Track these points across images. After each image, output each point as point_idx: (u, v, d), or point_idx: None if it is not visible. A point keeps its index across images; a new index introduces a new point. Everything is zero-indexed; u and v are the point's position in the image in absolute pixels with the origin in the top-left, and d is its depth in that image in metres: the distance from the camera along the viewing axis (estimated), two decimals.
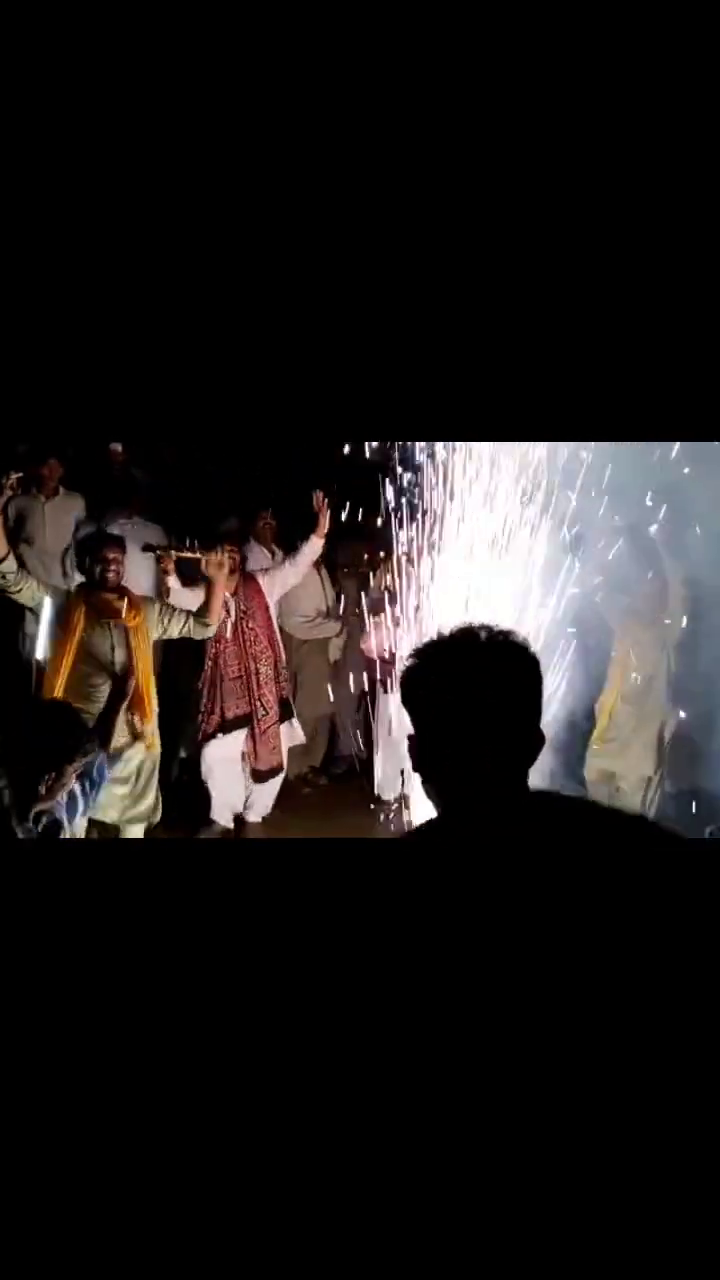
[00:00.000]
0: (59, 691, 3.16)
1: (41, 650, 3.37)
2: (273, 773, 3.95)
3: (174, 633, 3.46)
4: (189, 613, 3.46)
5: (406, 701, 1.13)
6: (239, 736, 3.84)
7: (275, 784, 4.02)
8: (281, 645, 4.04)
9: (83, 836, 2.42)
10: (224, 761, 3.86)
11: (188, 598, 3.59)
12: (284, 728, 4.01)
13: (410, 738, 1.14)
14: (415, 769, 1.14)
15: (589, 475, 3.30)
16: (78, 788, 2.23)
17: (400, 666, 1.16)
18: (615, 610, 3.65)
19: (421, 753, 1.12)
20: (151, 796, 3.37)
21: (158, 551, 3.78)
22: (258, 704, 3.82)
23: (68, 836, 2.17)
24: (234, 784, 3.91)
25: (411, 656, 1.13)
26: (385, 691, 4.00)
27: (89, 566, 3.33)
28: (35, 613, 3.37)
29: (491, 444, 3.24)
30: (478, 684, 1.06)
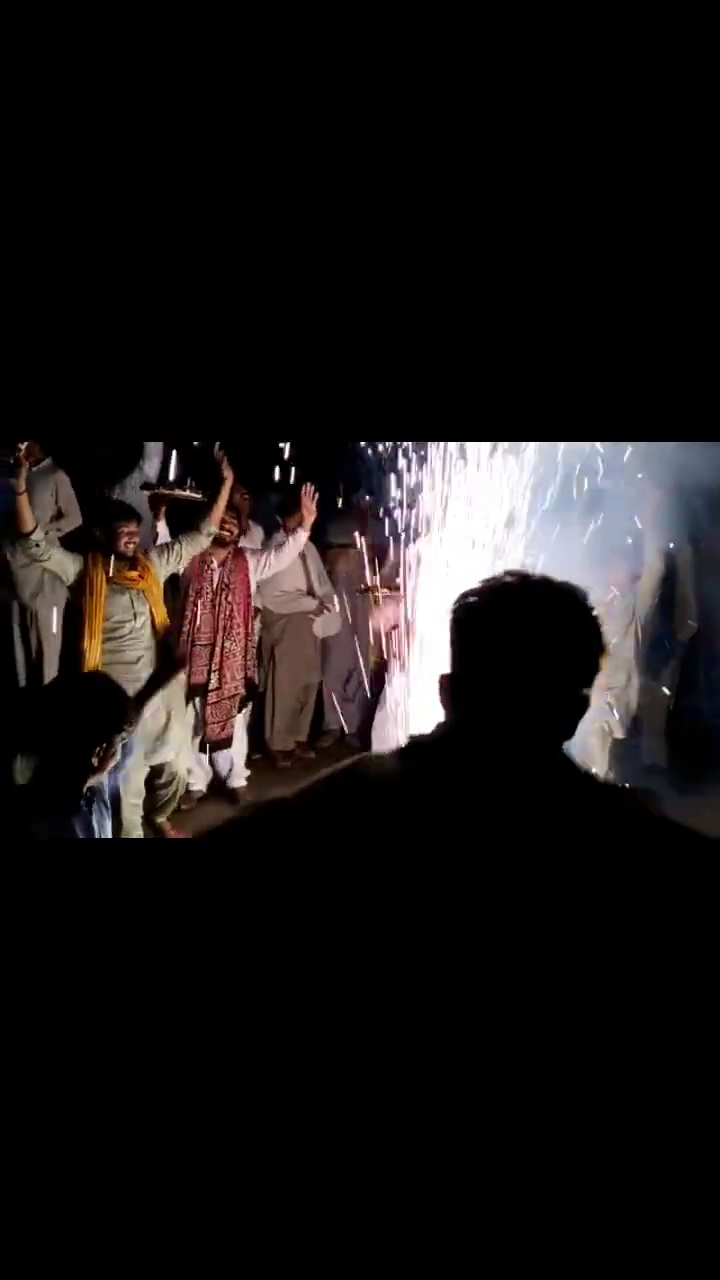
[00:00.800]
0: (95, 649, 3.38)
1: (69, 615, 3.56)
2: (219, 745, 4.06)
3: (178, 565, 3.73)
4: (181, 538, 3.74)
5: (460, 635, 1.09)
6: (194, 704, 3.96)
7: (235, 753, 4.18)
8: (255, 627, 4.16)
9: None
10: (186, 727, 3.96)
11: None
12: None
13: (444, 676, 1.10)
14: (446, 706, 1.11)
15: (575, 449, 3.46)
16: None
17: (458, 601, 1.10)
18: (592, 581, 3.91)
19: (457, 691, 1.09)
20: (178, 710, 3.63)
21: (156, 491, 3.97)
22: (213, 675, 3.94)
23: (108, 809, 2.19)
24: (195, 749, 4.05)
25: (474, 594, 1.09)
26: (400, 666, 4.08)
27: (104, 537, 3.50)
28: (62, 580, 3.51)
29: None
30: (541, 632, 1.02)
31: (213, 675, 3.92)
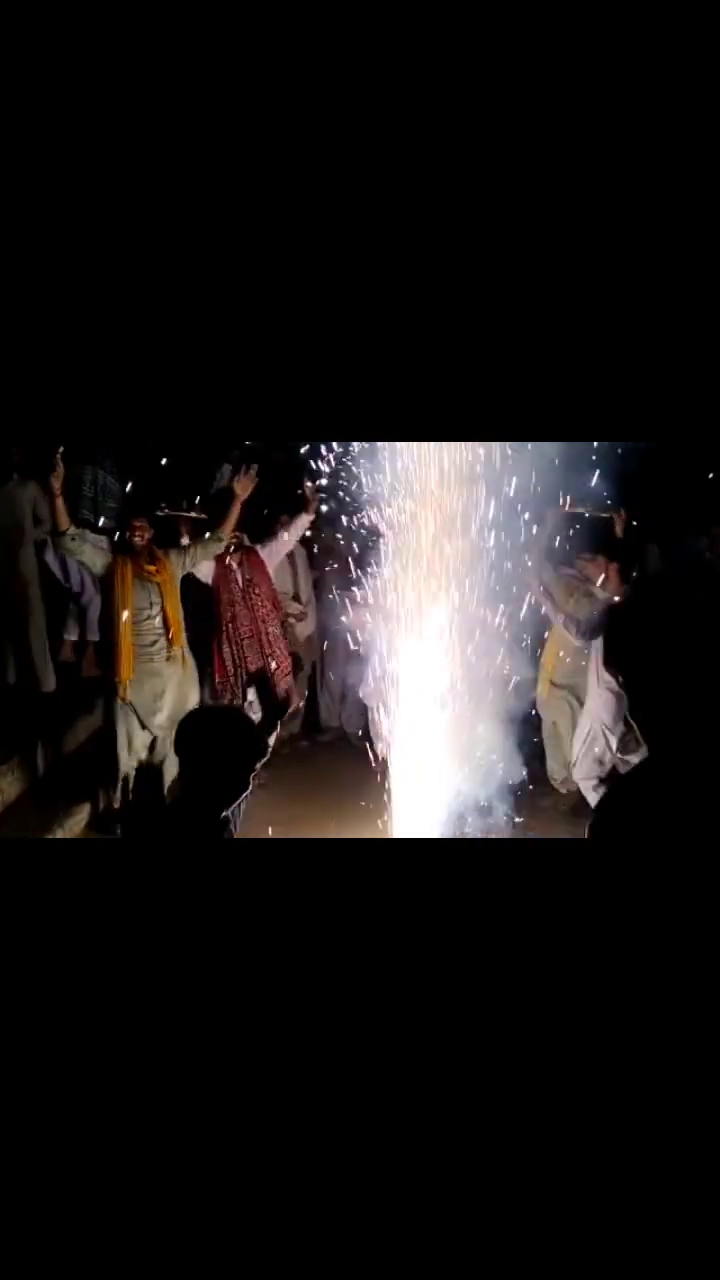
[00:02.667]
0: (126, 635, 3.71)
1: (101, 599, 3.93)
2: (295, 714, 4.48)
3: (192, 566, 4.05)
4: (199, 542, 4.08)
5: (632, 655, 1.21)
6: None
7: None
8: (282, 609, 4.51)
9: None
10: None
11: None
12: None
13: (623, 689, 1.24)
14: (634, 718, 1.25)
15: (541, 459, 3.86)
16: None
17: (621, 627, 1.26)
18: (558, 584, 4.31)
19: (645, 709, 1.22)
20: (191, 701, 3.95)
21: (167, 513, 4.37)
22: (269, 659, 4.28)
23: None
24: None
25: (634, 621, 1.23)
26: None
27: (124, 535, 3.82)
28: (91, 570, 3.79)
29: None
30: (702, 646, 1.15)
31: (270, 660, 4.23)
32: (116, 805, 3.97)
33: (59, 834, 3.84)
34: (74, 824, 3.98)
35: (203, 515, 4.36)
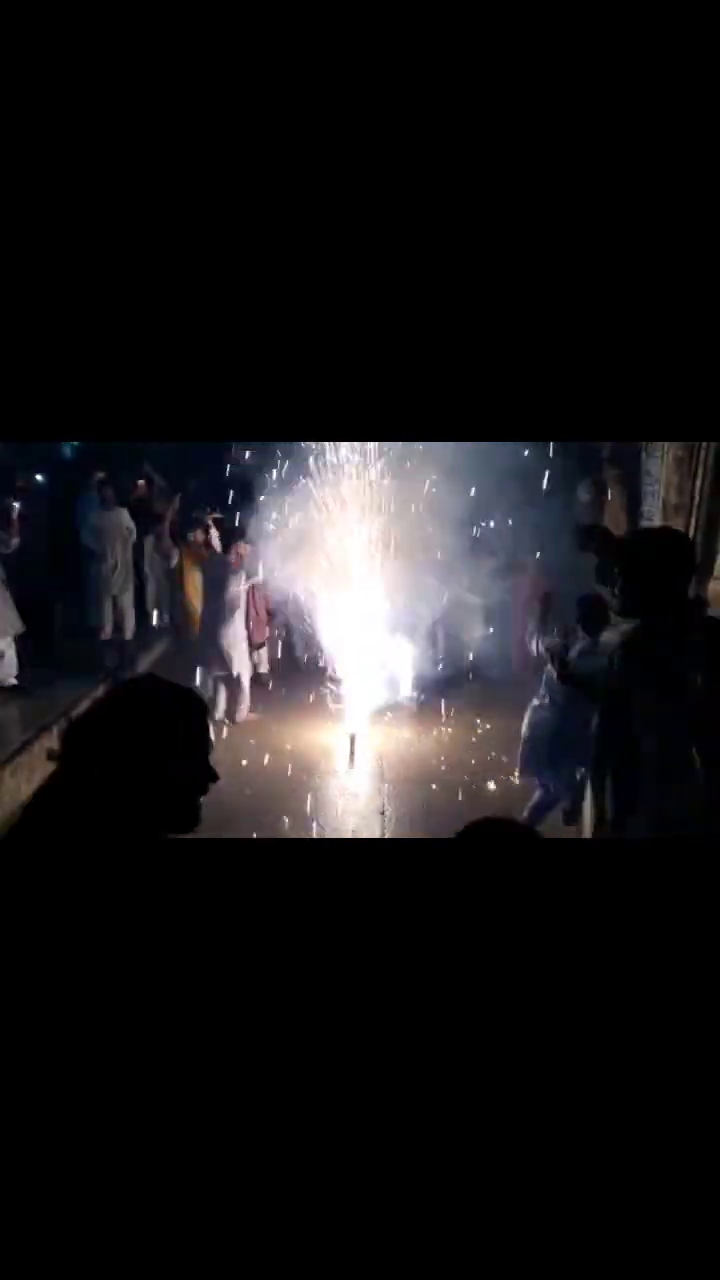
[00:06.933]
0: (196, 599, 6.82)
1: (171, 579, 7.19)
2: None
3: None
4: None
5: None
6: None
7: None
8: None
9: None
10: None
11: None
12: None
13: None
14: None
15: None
16: None
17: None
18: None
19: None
20: None
21: (205, 517, 7.45)
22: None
23: None
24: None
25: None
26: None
27: (189, 540, 7.00)
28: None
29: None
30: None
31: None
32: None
33: None
34: None
35: (220, 516, 7.45)
